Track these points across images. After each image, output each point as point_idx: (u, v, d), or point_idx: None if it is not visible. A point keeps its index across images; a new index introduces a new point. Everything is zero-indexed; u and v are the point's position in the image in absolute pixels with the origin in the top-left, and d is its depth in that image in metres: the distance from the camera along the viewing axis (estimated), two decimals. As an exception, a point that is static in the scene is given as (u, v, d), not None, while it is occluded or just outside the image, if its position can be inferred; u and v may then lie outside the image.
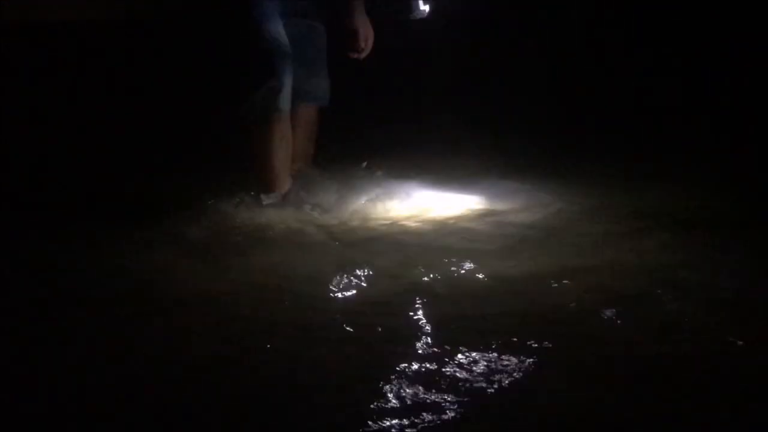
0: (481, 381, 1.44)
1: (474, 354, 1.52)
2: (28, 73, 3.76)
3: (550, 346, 1.58)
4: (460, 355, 1.52)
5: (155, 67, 3.73)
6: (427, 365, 1.48)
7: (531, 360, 1.53)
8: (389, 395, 1.37)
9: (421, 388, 1.39)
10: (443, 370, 1.48)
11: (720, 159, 3.00)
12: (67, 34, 3.79)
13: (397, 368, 1.47)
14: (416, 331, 1.65)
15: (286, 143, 2.39)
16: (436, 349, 1.56)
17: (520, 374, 1.48)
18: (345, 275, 1.90)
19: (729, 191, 2.65)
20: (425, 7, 2.50)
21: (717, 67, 3.69)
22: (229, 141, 2.64)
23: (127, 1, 3.89)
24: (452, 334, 1.64)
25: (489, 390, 1.41)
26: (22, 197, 2.69)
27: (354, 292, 1.86)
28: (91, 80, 3.71)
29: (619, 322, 1.69)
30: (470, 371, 1.47)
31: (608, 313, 1.72)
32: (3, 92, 3.62)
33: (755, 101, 3.48)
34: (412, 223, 2.35)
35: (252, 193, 2.42)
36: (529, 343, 1.59)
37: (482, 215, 2.42)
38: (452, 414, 1.33)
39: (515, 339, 1.60)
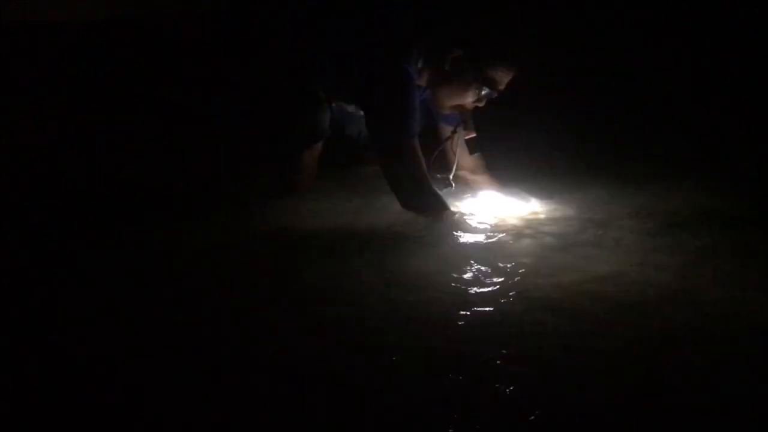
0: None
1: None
2: (28, 73, 3.76)
3: (554, 348, 1.58)
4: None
5: (156, 67, 3.72)
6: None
7: (533, 359, 1.53)
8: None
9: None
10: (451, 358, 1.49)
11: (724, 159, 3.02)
12: (67, 34, 3.79)
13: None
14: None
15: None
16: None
17: (519, 373, 1.48)
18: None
19: (733, 191, 2.66)
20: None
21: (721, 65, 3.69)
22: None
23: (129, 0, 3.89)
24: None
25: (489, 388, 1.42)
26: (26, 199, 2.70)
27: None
28: (92, 81, 3.70)
29: (621, 325, 1.70)
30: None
31: (610, 317, 1.73)
32: (3, 92, 3.61)
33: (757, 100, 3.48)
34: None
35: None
36: (533, 343, 1.59)
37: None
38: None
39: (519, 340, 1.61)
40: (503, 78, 2.45)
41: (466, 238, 2.27)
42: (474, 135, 2.72)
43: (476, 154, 2.81)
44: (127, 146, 3.23)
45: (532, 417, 1.35)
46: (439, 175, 2.67)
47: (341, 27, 2.54)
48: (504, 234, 2.29)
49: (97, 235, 2.30)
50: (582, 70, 3.78)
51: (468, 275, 1.97)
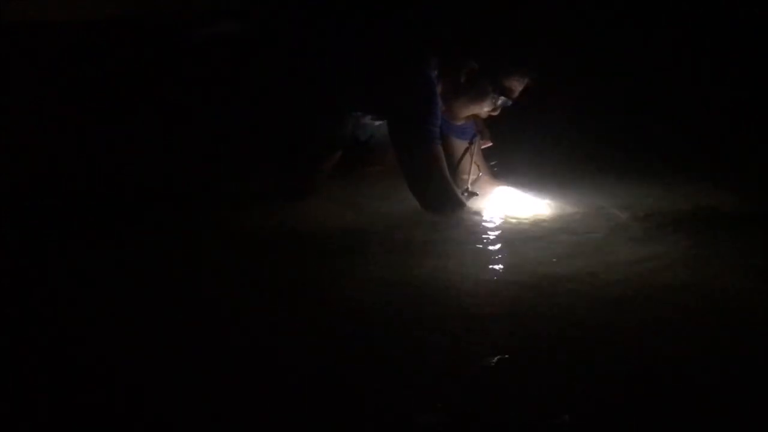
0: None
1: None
2: (28, 73, 3.75)
3: (555, 346, 1.59)
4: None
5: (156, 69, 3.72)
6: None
7: (531, 356, 1.54)
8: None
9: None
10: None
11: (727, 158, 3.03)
12: (67, 34, 3.78)
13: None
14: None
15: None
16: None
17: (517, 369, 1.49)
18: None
19: (733, 191, 2.66)
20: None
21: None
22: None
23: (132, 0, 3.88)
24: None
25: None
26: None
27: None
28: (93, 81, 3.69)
29: (621, 321, 1.70)
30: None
31: (610, 312, 1.73)
32: (3, 92, 3.61)
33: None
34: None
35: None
36: (534, 342, 1.60)
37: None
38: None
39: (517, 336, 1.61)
40: (518, 86, 2.49)
41: (481, 237, 2.28)
42: (491, 144, 2.75)
43: (492, 162, 2.83)
44: (127, 146, 3.23)
45: (531, 415, 1.35)
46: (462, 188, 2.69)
47: (353, 33, 2.55)
48: (513, 233, 2.31)
49: (97, 235, 2.30)
50: (582, 70, 3.78)
51: (474, 273, 1.98)
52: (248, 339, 1.65)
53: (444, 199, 2.46)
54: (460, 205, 2.48)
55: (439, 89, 2.52)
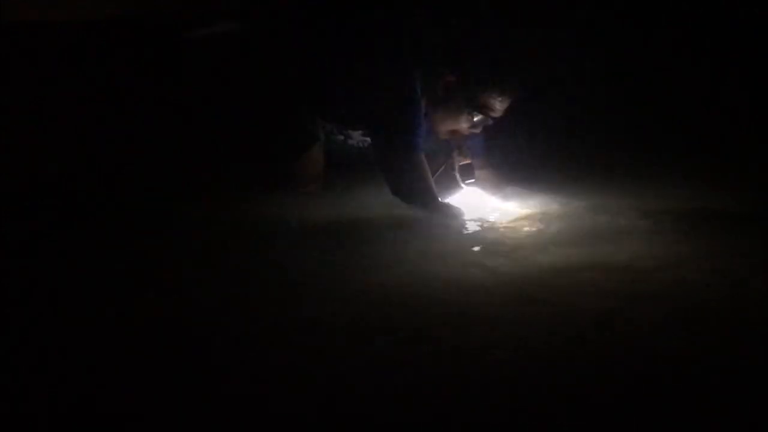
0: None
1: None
2: (28, 73, 3.75)
3: (550, 340, 1.59)
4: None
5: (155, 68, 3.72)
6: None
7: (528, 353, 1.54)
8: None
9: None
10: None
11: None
12: (67, 34, 3.78)
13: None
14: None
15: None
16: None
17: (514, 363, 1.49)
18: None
19: (733, 191, 2.67)
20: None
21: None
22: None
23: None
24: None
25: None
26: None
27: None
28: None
29: (620, 318, 1.70)
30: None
31: (608, 309, 1.74)
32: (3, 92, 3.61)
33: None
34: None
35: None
36: (532, 340, 1.60)
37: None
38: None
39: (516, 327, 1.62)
40: (496, 105, 2.42)
41: (479, 237, 2.29)
42: (468, 162, 2.68)
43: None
44: (127, 146, 3.23)
45: (531, 415, 1.35)
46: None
47: (353, 33, 2.55)
48: (512, 233, 2.31)
49: (97, 236, 2.30)
50: (582, 70, 3.78)
51: (472, 273, 1.99)
52: (248, 339, 1.65)
53: (430, 203, 2.46)
54: (447, 207, 2.48)
55: (423, 100, 2.47)
